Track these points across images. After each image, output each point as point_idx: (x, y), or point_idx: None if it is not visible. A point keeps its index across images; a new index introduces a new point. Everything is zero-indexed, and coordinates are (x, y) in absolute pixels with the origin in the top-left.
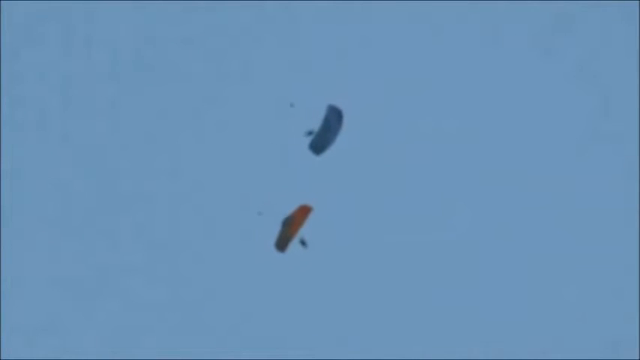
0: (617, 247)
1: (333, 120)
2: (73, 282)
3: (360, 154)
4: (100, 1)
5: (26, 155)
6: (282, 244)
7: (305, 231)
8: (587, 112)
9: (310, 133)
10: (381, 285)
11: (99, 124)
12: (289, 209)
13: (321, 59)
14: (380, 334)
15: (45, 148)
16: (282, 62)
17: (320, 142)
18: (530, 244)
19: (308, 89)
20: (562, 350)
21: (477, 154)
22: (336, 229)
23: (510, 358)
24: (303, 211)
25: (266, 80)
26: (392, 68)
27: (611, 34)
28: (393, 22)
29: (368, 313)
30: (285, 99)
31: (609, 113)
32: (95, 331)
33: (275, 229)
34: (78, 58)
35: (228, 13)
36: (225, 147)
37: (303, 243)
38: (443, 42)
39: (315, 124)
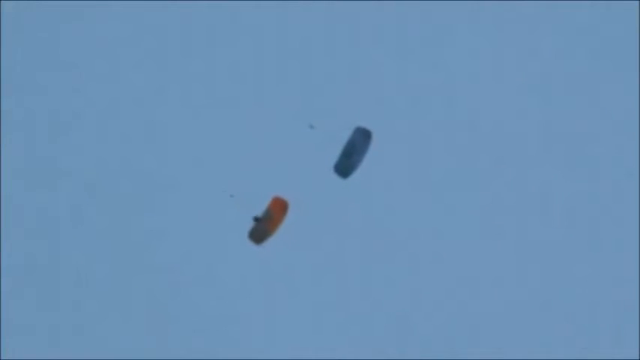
0: (618, 249)
1: (359, 141)
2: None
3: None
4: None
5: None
6: (259, 237)
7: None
8: (587, 112)
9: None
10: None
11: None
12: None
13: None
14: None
15: None
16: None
17: (345, 164)
18: (532, 245)
19: (329, 109)
20: (562, 350)
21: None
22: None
23: (512, 359)
24: (280, 206)
25: (286, 99)
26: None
27: (611, 34)
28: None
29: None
30: (305, 119)
31: (609, 113)
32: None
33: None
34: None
35: (249, 27)
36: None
37: (256, 219)
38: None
39: (338, 145)
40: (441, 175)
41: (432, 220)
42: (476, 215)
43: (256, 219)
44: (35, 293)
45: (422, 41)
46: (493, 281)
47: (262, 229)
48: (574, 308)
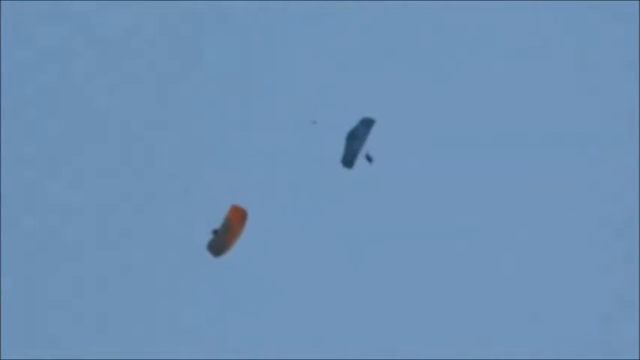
0: (618, 250)
1: (359, 128)
2: None
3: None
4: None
5: None
6: (218, 249)
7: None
8: (588, 112)
9: (369, 158)
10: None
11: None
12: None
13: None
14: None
15: None
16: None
17: (347, 152)
18: (532, 246)
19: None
20: (562, 350)
21: (481, 155)
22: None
23: (512, 359)
24: (239, 215)
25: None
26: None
27: (611, 34)
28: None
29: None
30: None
31: (609, 113)
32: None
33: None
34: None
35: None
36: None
37: (214, 232)
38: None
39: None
40: (443, 172)
41: (433, 219)
42: (477, 214)
43: (215, 232)
44: (35, 293)
45: (422, 41)
46: (491, 281)
47: (221, 240)
48: (574, 308)
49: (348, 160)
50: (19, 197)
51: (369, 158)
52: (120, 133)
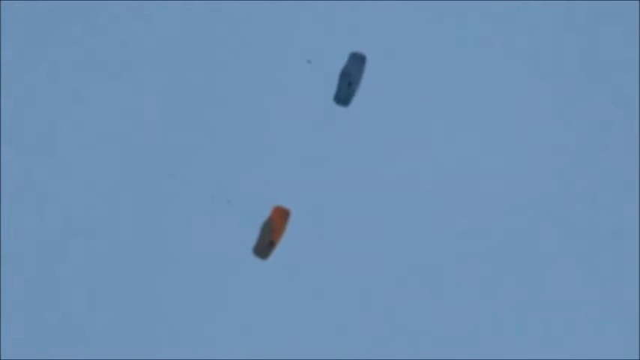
0: (618, 248)
1: (352, 67)
2: None
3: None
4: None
5: None
6: (264, 251)
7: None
8: (588, 111)
9: (349, 84)
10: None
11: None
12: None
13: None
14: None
15: None
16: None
17: (343, 92)
18: (531, 245)
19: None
20: (561, 350)
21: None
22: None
23: (511, 359)
24: (282, 215)
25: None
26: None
27: (611, 34)
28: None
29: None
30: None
31: (609, 114)
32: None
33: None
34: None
35: None
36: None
37: (271, 243)
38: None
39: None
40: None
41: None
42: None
43: (272, 243)
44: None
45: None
46: (491, 281)
47: (266, 242)
48: (574, 308)
49: (344, 98)
50: (20, 197)
51: (350, 83)
52: (143, 135)
